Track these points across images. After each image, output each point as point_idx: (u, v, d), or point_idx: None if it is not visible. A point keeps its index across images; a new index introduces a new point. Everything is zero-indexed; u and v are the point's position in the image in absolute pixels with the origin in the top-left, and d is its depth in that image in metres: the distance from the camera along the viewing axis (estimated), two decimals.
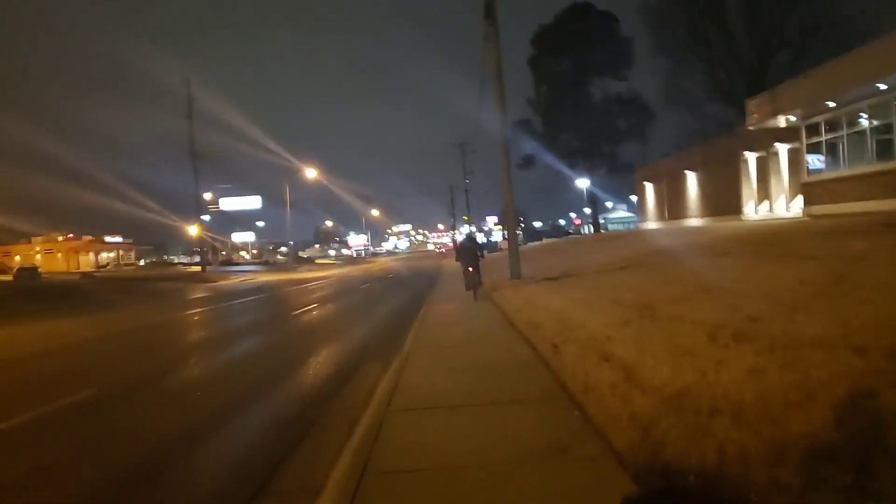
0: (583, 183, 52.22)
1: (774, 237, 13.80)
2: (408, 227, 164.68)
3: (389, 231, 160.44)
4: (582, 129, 45.71)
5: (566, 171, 47.95)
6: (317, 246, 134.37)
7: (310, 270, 55.56)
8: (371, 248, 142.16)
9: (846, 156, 18.05)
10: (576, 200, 58.27)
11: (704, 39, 39.38)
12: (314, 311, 15.88)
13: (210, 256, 58.62)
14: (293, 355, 9.06)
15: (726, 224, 24.14)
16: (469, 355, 6.57)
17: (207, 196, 56.30)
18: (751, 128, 22.19)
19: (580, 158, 47.50)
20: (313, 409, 5.75)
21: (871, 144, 16.95)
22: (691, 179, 31.99)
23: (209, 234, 58.43)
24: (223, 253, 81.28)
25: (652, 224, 38.75)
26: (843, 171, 17.93)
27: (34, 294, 26.42)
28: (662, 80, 46.10)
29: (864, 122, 17.10)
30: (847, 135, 17.84)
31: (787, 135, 21.39)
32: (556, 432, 3.86)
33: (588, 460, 3.41)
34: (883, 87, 15.60)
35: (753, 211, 25.16)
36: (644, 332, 5.88)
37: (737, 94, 38.02)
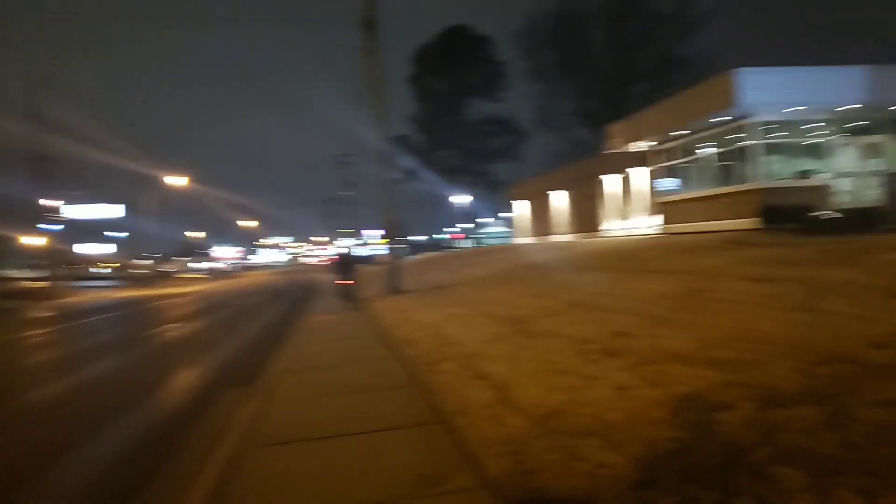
0: (460, 199, 53.37)
1: (635, 253, 14.71)
2: (289, 238, 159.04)
3: (265, 242, 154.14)
4: (459, 147, 46.93)
5: (445, 186, 48.84)
6: (183, 259, 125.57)
7: (174, 286, 51.78)
8: (246, 260, 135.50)
9: (695, 179, 19.77)
10: (454, 215, 59.39)
11: (571, 67, 41.95)
12: (172, 333, 14.59)
13: (57, 270, 52.85)
14: (142, 381, 8.18)
15: (591, 240, 25.67)
16: (343, 377, 6.20)
17: (52, 203, 50.86)
18: (610, 151, 23.85)
19: (459, 175, 48.63)
20: (159, 447, 5.08)
21: (714, 170, 18.70)
22: (558, 198, 33.82)
23: (55, 247, 52.74)
24: (74, 266, 73.71)
25: (524, 239, 40.31)
26: (693, 193, 19.56)
27: None
28: (534, 103, 48.30)
29: (708, 150, 18.84)
30: (695, 161, 19.56)
31: (643, 159, 23.14)
32: (432, 462, 3.65)
33: (462, 492, 3.22)
34: (718, 119, 17.21)
35: (614, 227, 27.03)
36: (517, 348, 5.88)
37: (601, 119, 40.86)
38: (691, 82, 20.25)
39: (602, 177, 27.03)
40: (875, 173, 16.13)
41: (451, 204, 56.48)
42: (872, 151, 16.67)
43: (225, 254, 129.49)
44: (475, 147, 47.40)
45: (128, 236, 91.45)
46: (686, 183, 20.34)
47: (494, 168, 49.62)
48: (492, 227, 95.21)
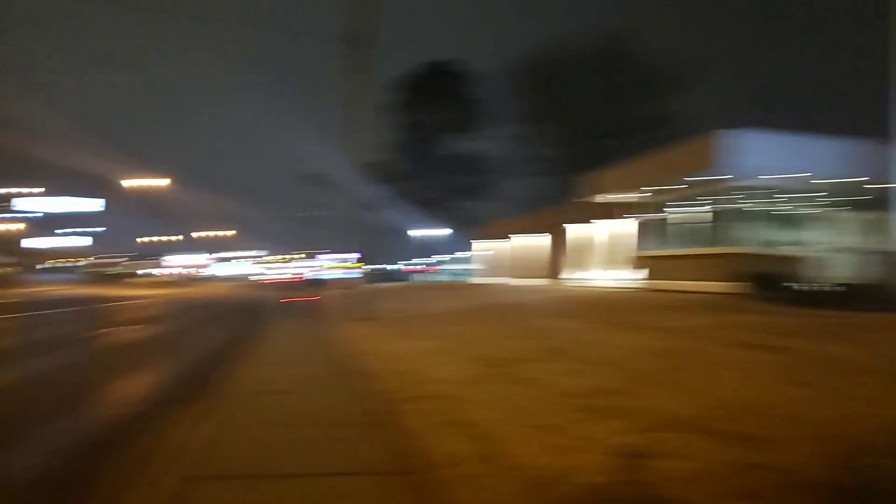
0: (426, 231, 53.11)
1: (610, 305, 14.45)
2: (264, 252, 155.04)
3: (237, 254, 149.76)
4: (431, 181, 46.96)
5: (413, 217, 48.63)
6: (147, 261, 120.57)
7: (130, 287, 49.61)
8: (212, 269, 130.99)
9: (673, 237, 19.61)
10: (419, 247, 59.02)
11: (552, 113, 42.56)
12: (120, 336, 13.55)
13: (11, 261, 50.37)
14: (76, 385, 7.35)
15: (558, 286, 25.63)
16: (302, 405, 5.59)
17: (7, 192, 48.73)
18: (582, 200, 24.03)
19: (429, 207, 48.48)
20: (86, 469, 4.36)
21: (692, 229, 18.62)
22: (525, 241, 34.07)
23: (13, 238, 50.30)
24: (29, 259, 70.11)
25: (488, 279, 40.20)
26: (670, 250, 19.30)
27: None
28: (511, 145, 48.80)
29: (685, 208, 18.83)
30: (666, 219, 19.53)
31: (609, 211, 23.27)
32: None
33: None
34: (696, 179, 17.21)
35: (569, 276, 27.27)
36: (496, 394, 5.37)
37: (571, 169, 41.46)
38: (672, 140, 20.49)
39: (568, 224, 27.28)
40: (855, 248, 16.26)
41: (416, 236, 56.15)
42: (852, 225, 16.89)
43: (189, 261, 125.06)
44: (446, 182, 47.54)
45: (98, 234, 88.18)
46: (663, 240, 20.27)
47: (464, 204, 49.70)
48: (456, 263, 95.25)
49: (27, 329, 15.27)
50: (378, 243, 46.30)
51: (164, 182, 57.05)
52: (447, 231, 51.85)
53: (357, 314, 14.93)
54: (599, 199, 22.49)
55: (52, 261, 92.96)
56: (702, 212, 17.95)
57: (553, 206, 31.62)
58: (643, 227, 20.69)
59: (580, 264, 26.80)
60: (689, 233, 18.61)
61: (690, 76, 43.24)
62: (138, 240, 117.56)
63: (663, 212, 19.74)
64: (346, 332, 12.48)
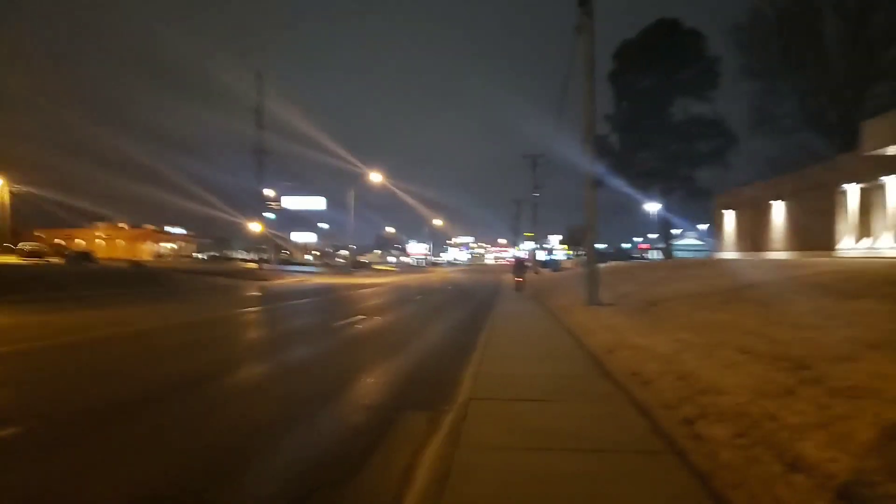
0: (653, 206, 49.42)
1: None
2: (469, 238, 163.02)
3: (450, 241, 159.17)
4: (661, 150, 42.94)
5: (638, 193, 45.35)
6: (377, 252, 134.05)
7: (367, 276, 54.70)
8: (431, 258, 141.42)
9: None
10: (643, 224, 55.36)
11: (797, 64, 36.34)
12: (360, 325, 14.30)
13: (270, 255, 58.48)
14: (322, 380, 7.54)
15: (819, 259, 21.51)
16: (558, 421, 4.54)
17: (270, 193, 56.30)
18: (866, 154, 19.50)
19: (656, 180, 44.70)
20: (334, 465, 4.15)
21: None
22: (778, 210, 29.37)
23: (271, 232, 58.31)
24: (285, 252, 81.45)
25: (730, 254, 35.95)
26: None
27: (79, 279, 26.01)
28: (749, 104, 42.76)
29: None
30: None
31: None
32: None
33: None
34: None
35: (850, 246, 22.42)
36: (827, 414, 3.98)
37: (829, 123, 34.92)
38: None
39: (845, 184, 22.58)
40: None
41: (643, 212, 52.57)
42: None
43: (415, 250, 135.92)
44: (679, 150, 43.06)
45: (329, 228, 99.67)
46: None
47: (698, 174, 44.89)
48: (686, 239, 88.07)
49: (303, 314, 17.00)
50: (601, 222, 44.23)
51: (387, 178, 60.86)
52: (679, 205, 47.61)
53: (589, 298, 13.88)
54: (892, 150, 18.26)
55: (312, 252, 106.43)
56: None
57: (817, 167, 26.76)
58: None
59: (859, 232, 22.24)
60: None
61: None
62: (388, 229, 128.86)
63: None
64: (581, 318, 11.54)
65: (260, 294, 26.63)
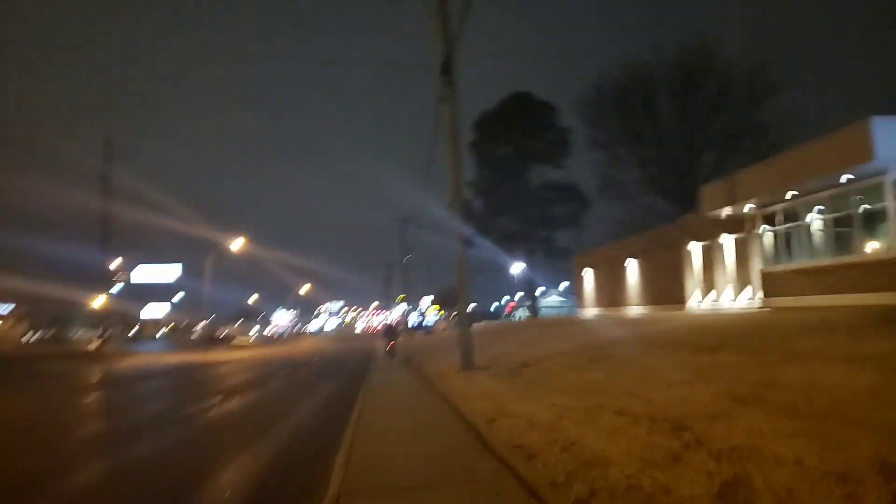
0: (518, 267, 51.35)
1: (754, 332, 12.33)
2: (340, 303, 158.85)
3: (321, 308, 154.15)
4: (520, 214, 45.11)
5: (504, 254, 47.01)
6: (237, 323, 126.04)
7: (225, 351, 50.78)
8: (299, 327, 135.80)
9: (802, 248, 17.43)
10: (510, 284, 57.28)
11: (635, 136, 40.36)
12: (213, 410, 12.81)
13: (117, 332, 52.88)
14: (174, 473, 6.43)
15: (672, 314, 23.10)
16: None
17: (118, 264, 51.54)
18: (705, 215, 21.49)
19: (517, 242, 46.74)
20: None
21: (829, 237, 16.34)
22: (632, 267, 31.42)
23: (117, 308, 53.00)
24: (135, 329, 74.14)
25: (591, 310, 37.81)
26: (802, 263, 17.18)
27: None
28: (596, 171, 46.63)
29: (823, 214, 16.52)
30: (806, 226, 17.22)
31: (736, 224, 20.86)
32: None
33: None
34: (845, 179, 15.07)
35: (697, 302, 24.37)
36: (717, 481, 3.80)
37: (668, 187, 38.72)
38: (766, 150, 18.17)
39: (690, 242, 24.62)
40: None
41: (507, 273, 54.42)
42: None
43: (281, 319, 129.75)
44: (537, 213, 45.54)
45: (183, 297, 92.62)
46: (788, 252, 17.98)
47: (556, 235, 47.58)
48: (550, 297, 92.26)
49: (150, 399, 14.98)
50: (475, 284, 45.03)
51: (249, 242, 58.44)
52: (541, 265, 49.91)
53: (463, 362, 13.59)
54: (726, 212, 20.11)
55: (166, 327, 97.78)
56: (845, 214, 15.59)
57: (665, 227, 29.03)
58: (781, 237, 18.29)
59: (703, 287, 24.17)
60: (830, 240, 16.22)
61: (782, 80, 40.24)
62: (242, 299, 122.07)
63: (796, 219, 17.41)
64: (457, 385, 11.14)
65: (98, 379, 23.54)
